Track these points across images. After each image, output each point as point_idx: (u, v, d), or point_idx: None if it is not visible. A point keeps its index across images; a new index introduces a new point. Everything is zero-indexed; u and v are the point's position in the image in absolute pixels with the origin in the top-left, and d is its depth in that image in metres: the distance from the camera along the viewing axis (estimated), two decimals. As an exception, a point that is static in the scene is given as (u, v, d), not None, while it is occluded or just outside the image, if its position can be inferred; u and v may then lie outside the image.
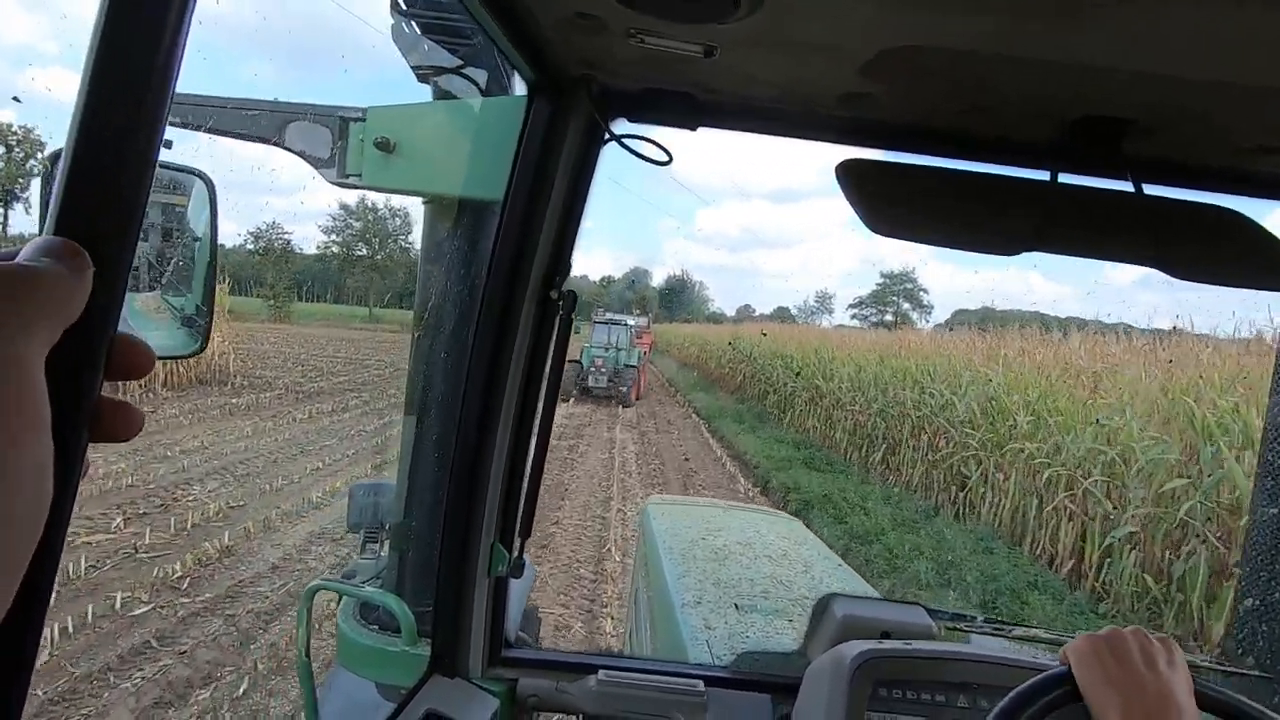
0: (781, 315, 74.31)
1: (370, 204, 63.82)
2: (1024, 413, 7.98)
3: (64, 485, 0.29)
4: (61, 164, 0.31)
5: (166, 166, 0.64)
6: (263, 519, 6.74)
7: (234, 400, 13.81)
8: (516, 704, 1.29)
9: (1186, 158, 0.96)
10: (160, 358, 0.41)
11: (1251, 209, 0.89)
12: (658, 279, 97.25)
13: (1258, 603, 1.36)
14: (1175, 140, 0.90)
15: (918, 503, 9.18)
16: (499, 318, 1.10)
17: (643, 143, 1.04)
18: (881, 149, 1.03)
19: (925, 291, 73.66)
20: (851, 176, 0.85)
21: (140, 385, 13.80)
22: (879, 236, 0.88)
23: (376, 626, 1.44)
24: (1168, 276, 0.86)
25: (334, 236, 62.89)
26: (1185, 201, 0.89)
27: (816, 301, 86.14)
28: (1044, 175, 0.88)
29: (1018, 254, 0.89)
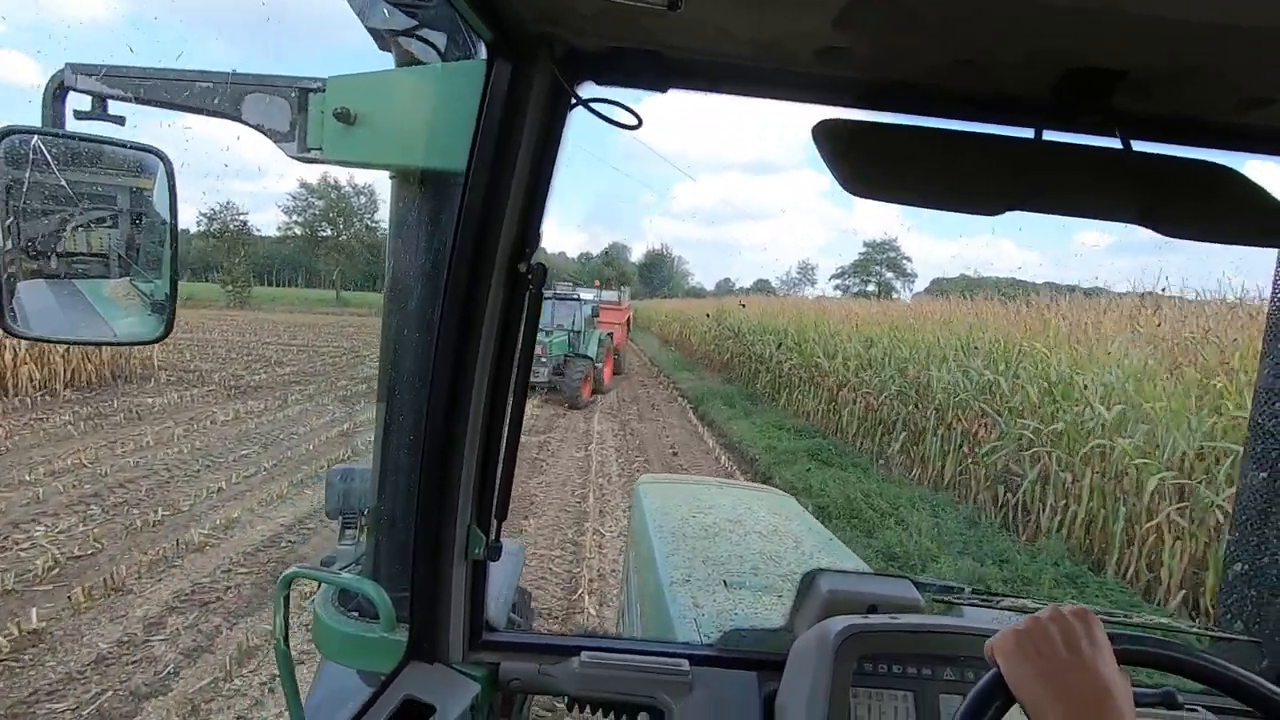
0: (762, 287, 73.01)
1: (333, 181, 61.05)
2: (1099, 397, 6.38)
3: None
4: None
5: (121, 144, 0.64)
6: (105, 577, 4.96)
7: (149, 400, 11.90)
8: (498, 688, 1.27)
9: (1178, 112, 0.91)
10: (127, 344, 0.34)
11: (1245, 166, 0.87)
12: (636, 255, 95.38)
13: (1246, 568, 1.37)
14: (1167, 94, 0.86)
15: (955, 505, 7.60)
16: (466, 294, 1.06)
17: (611, 107, 0.99)
18: (859, 108, 0.97)
19: (908, 260, 72.72)
20: (828, 137, 0.84)
21: (39, 385, 11.88)
22: (857, 200, 0.86)
23: (356, 613, 1.37)
24: (1155, 234, 0.85)
25: (295, 217, 59.97)
26: (1175, 158, 0.86)
27: (799, 273, 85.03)
28: (1028, 133, 0.86)
29: (1001, 214, 0.86)
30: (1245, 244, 0.90)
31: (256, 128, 1.27)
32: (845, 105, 0.97)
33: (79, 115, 1.10)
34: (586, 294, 18.52)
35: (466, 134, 1.02)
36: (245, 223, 54.56)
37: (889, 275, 72.33)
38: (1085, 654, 0.68)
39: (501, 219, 1.04)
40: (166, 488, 7.26)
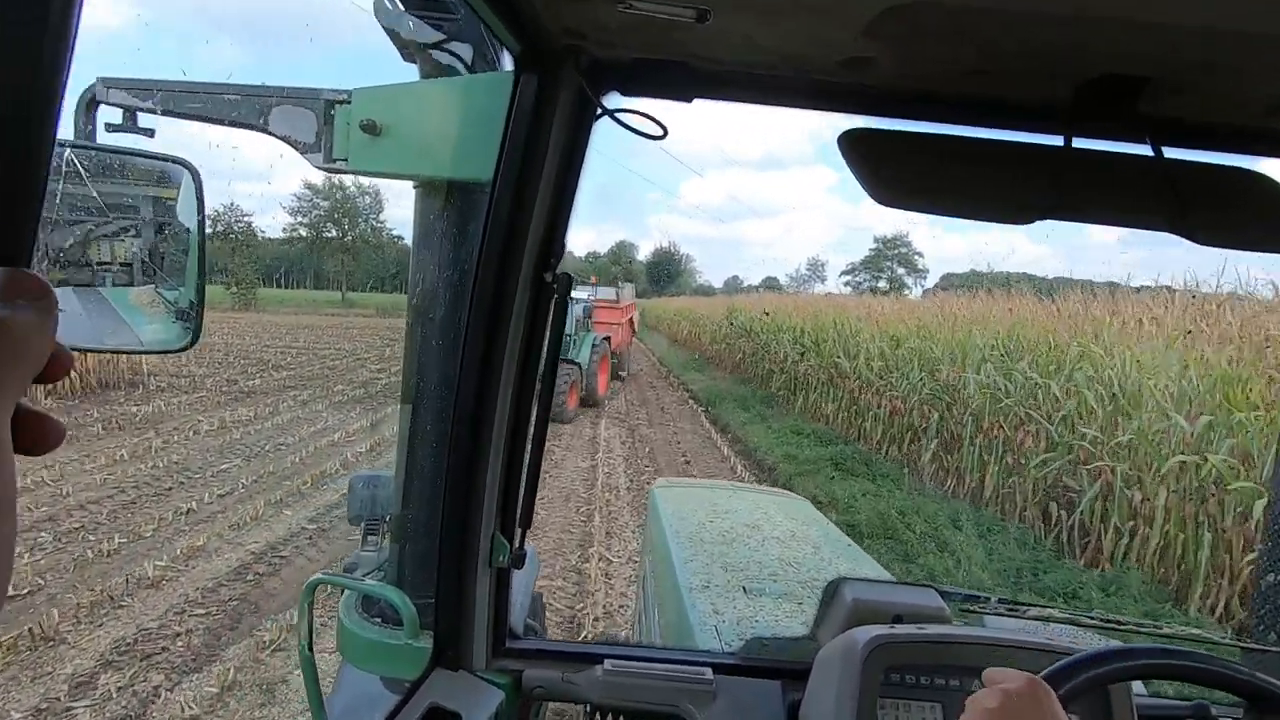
0: (770, 285, 72.15)
1: (337, 182, 60.76)
2: (1175, 406, 5.60)
3: None
4: None
5: (151, 156, 0.68)
6: (36, 624, 4.29)
7: (134, 409, 11.30)
8: (522, 695, 1.28)
9: (1208, 117, 0.90)
10: (153, 352, 0.51)
11: (1275, 171, 0.87)
12: (643, 253, 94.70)
13: (1278, 579, 1.36)
14: (1196, 98, 0.85)
15: (1001, 524, 6.84)
16: (492, 303, 1.08)
17: (636, 117, 1.00)
18: (886, 117, 0.98)
19: (920, 255, 71.61)
20: (855, 147, 0.83)
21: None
22: (865, 197, 0.84)
23: (379, 620, 1.39)
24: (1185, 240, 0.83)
25: (300, 218, 59.64)
26: (1206, 164, 0.86)
27: (809, 269, 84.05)
28: (1057, 140, 0.84)
29: (1031, 223, 0.86)
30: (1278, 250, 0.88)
31: (284, 139, 1.28)
32: (871, 114, 0.96)
33: (110, 128, 1.14)
34: (580, 292, 15.93)
35: (491, 145, 1.03)
36: (250, 224, 54.30)
37: (900, 271, 71.29)
38: None
39: (527, 228, 1.05)
40: (131, 509, 6.61)
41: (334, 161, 1.28)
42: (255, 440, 9.73)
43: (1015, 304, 10.50)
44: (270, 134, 1.27)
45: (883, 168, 0.83)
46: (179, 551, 5.61)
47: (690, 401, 16.07)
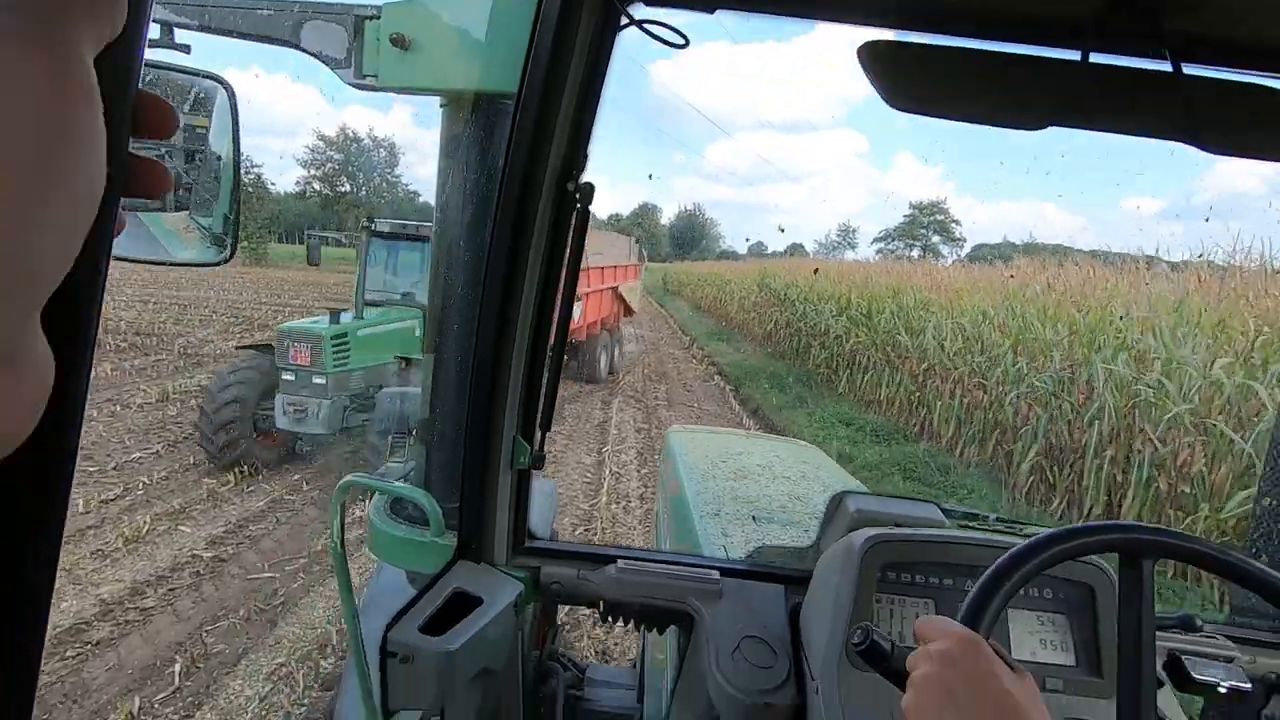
0: (794, 251, 69.43)
1: (352, 133, 58.78)
2: None
3: (97, 249, 0.29)
4: None
5: (184, 71, 0.65)
6: None
7: (69, 373, 9.65)
8: (540, 589, 1.33)
9: (1227, 34, 0.87)
10: (190, 265, 0.58)
11: None
12: (666, 216, 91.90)
13: (1274, 502, 1.37)
14: (1215, 15, 0.83)
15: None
16: (516, 212, 1.09)
17: (658, 27, 0.99)
18: (905, 30, 0.96)
19: (957, 223, 68.24)
20: (873, 56, 0.84)
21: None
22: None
23: (406, 521, 1.44)
24: (1200, 151, 0.84)
25: (314, 170, 57.88)
26: (1223, 79, 0.85)
27: (839, 235, 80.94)
28: (1075, 55, 0.83)
29: (1043, 127, 0.86)
30: None
31: (316, 55, 1.31)
32: (891, 27, 0.95)
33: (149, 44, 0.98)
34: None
35: (517, 55, 1.04)
36: (260, 176, 52.72)
37: (936, 239, 68.11)
38: (981, 678, 0.66)
39: (551, 138, 1.06)
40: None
41: (364, 78, 1.29)
42: (192, 418, 8.03)
43: (1135, 278, 8.32)
44: (303, 50, 1.30)
45: (900, 77, 0.85)
46: None
47: (716, 377, 14.05)
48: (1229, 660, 1.16)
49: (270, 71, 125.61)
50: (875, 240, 72.64)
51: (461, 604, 1.18)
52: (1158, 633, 0.92)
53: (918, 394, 9.74)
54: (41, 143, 0.25)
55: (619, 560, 1.32)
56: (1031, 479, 6.99)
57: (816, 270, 16.19)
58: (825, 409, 10.46)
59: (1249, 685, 1.03)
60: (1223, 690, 0.99)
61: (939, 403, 8.99)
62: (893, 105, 0.85)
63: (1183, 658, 1.03)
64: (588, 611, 1.74)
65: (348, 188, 57.28)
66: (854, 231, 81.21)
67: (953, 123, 0.92)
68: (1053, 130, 0.89)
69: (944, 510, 1.35)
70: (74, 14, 0.27)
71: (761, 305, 19.02)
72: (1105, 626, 1.08)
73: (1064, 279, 9.21)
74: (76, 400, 0.30)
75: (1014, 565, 0.78)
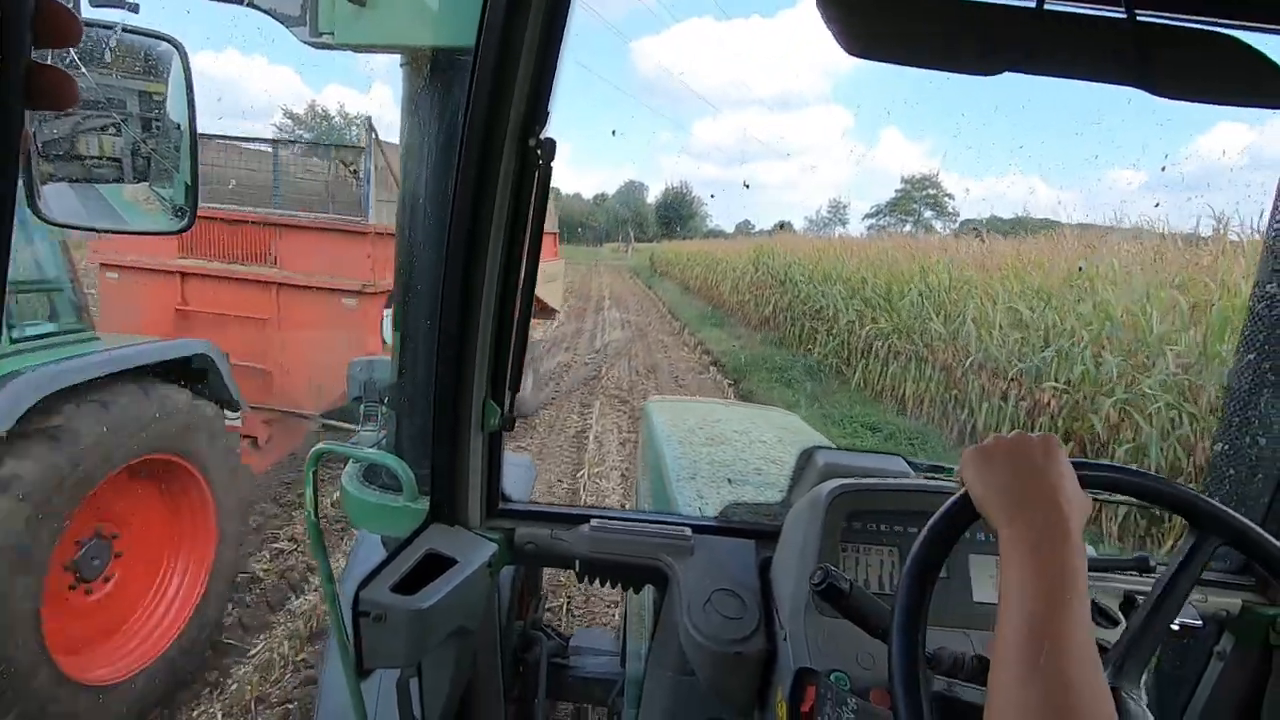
0: (784, 228, 67.91)
1: (321, 110, 56.46)
2: None
3: (3, 160, 0.29)
4: None
5: (136, 32, 0.61)
6: None
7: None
8: (514, 550, 1.34)
9: None
10: (149, 233, 0.58)
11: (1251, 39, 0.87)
12: (653, 195, 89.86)
13: (1227, 447, 1.39)
14: None
15: None
16: (477, 171, 1.08)
17: None
18: None
19: (950, 198, 66.88)
20: (829, 2, 0.84)
21: None
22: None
23: (379, 488, 1.43)
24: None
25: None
26: (1178, 25, 0.88)
27: (829, 211, 79.42)
28: (1030, 2, 0.86)
29: (1000, 73, 0.88)
30: (1245, 104, 0.92)
31: (268, 12, 1.25)
32: None
33: (94, 3, 1.03)
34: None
35: (476, 7, 1.01)
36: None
37: (928, 215, 66.72)
38: (1044, 470, 0.69)
39: (510, 94, 1.04)
40: None
41: (320, 35, 1.23)
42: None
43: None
44: (255, 7, 1.22)
45: (854, 18, 0.85)
46: None
47: (712, 369, 12.44)
48: None
49: (247, 55, 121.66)
50: (867, 216, 71.26)
51: (435, 565, 1.17)
52: (1115, 575, 1.15)
53: (954, 392, 8.16)
54: None
55: (593, 520, 1.34)
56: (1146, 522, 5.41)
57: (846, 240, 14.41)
58: (841, 407, 8.95)
59: (1200, 623, 1.11)
60: (1175, 628, 1.02)
61: (985, 405, 7.42)
62: (849, 51, 0.85)
63: (1137, 598, 1.10)
64: (566, 578, 1.73)
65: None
66: (845, 207, 79.65)
67: (922, 72, 0.95)
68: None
69: (910, 463, 1.40)
70: None
71: (758, 286, 17.37)
72: None
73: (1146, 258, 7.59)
74: None
75: (1146, 480, 0.84)
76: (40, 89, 0.30)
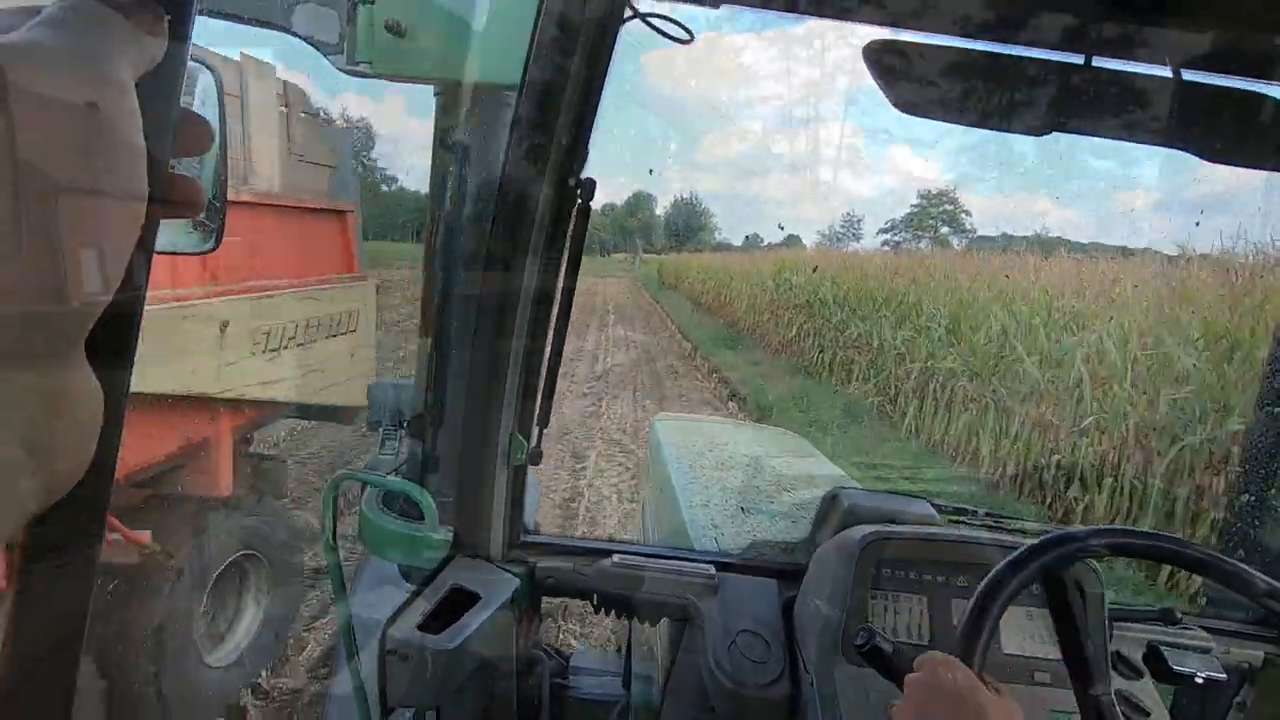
0: (791, 243, 66.37)
1: (324, 116, 55.73)
2: None
3: (137, 272, 0.29)
4: None
5: None
6: None
7: None
8: (535, 584, 1.34)
9: (1230, 42, 0.89)
10: (176, 253, 0.53)
11: None
12: (662, 207, 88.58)
13: (1251, 499, 1.39)
14: (1219, 22, 0.85)
15: None
16: (516, 207, 1.10)
17: (663, 21, 1.00)
18: (910, 30, 0.96)
19: (967, 214, 65.20)
20: (879, 56, 0.85)
21: None
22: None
23: (398, 515, 1.43)
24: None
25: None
26: (1224, 87, 0.86)
27: (843, 226, 77.80)
28: (1078, 59, 0.85)
29: (1047, 134, 0.87)
30: None
31: (306, 40, 1.25)
32: (896, 26, 0.95)
33: None
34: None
35: (516, 47, 1.02)
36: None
37: (945, 230, 65.05)
38: (963, 697, 0.71)
39: (553, 133, 1.05)
40: None
41: (357, 64, 1.24)
42: None
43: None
44: (294, 34, 1.24)
45: (905, 78, 0.84)
46: None
47: (730, 403, 10.64)
48: (1205, 651, 1.20)
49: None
50: (881, 230, 69.64)
51: (458, 600, 1.18)
52: (1140, 625, 1.15)
53: (1053, 453, 6.29)
54: (83, 164, 0.25)
55: (614, 555, 1.34)
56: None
57: (815, 268, 12.30)
58: (908, 467, 7.05)
59: (1224, 675, 1.12)
60: (1200, 680, 1.05)
61: (1108, 479, 5.55)
62: (900, 109, 0.85)
63: (1162, 649, 1.13)
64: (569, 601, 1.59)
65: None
66: (859, 222, 78.08)
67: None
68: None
69: (934, 505, 1.40)
70: (117, 37, 0.28)
71: (779, 306, 15.50)
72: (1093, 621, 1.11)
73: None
74: (117, 423, 0.30)
75: (993, 587, 0.84)
76: (175, 200, 0.31)
